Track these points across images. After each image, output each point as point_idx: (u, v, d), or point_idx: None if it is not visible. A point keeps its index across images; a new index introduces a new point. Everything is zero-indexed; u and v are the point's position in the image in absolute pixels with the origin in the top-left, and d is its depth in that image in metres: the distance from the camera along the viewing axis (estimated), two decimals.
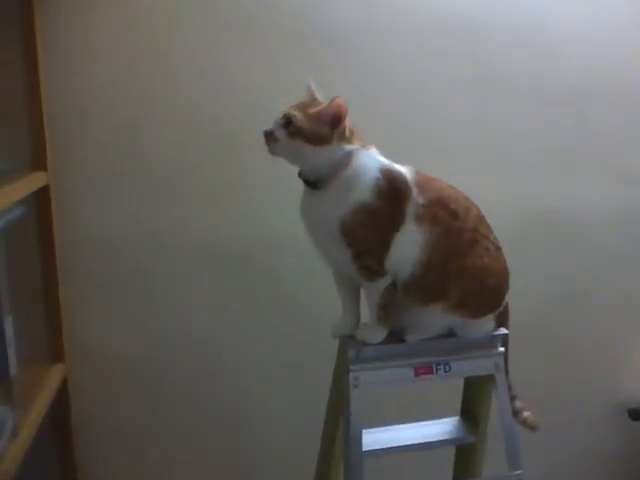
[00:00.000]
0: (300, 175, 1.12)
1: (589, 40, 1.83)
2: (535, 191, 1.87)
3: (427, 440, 1.33)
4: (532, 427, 1.30)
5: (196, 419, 1.77)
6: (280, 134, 1.07)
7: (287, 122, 1.07)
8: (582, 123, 1.86)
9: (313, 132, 1.06)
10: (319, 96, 1.13)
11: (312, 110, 1.08)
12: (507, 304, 1.25)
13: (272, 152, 1.09)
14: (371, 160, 1.10)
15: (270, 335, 1.76)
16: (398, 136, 1.68)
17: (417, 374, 1.21)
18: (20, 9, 1.45)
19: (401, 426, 1.35)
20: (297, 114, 1.07)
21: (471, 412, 1.36)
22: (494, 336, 1.24)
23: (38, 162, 1.50)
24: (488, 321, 1.22)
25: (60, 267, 1.58)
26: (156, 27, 1.59)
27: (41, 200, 1.53)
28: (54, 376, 1.56)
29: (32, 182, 1.44)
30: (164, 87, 1.62)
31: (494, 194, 1.76)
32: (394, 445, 1.30)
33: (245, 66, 1.64)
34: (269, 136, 1.08)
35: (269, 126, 1.08)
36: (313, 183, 1.10)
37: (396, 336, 1.19)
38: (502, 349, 1.26)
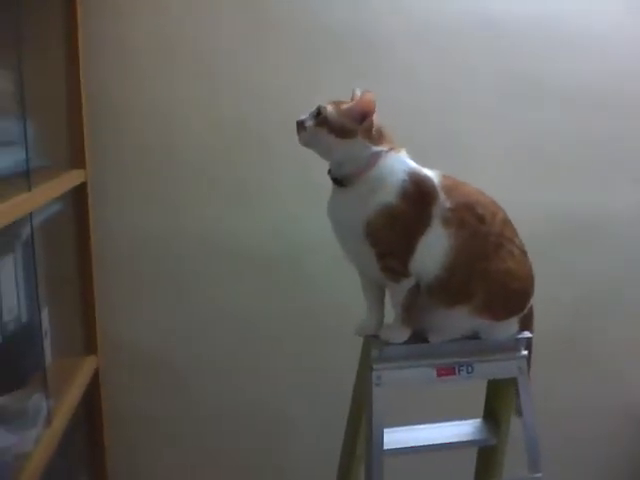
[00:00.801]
0: (329, 172, 1.15)
1: (620, 41, 1.82)
2: (563, 196, 1.86)
3: (448, 441, 1.35)
4: None
5: (223, 412, 1.81)
6: (309, 123, 1.11)
7: (318, 113, 1.11)
8: (612, 126, 1.85)
9: (339, 124, 1.10)
10: None
11: (345, 106, 1.12)
12: (532, 308, 1.25)
13: (301, 140, 1.14)
14: (398, 162, 1.12)
15: (297, 333, 1.80)
16: (427, 139, 1.70)
17: (439, 375, 1.23)
18: (63, 10, 1.50)
19: (423, 426, 1.36)
20: (329, 107, 1.11)
21: (493, 414, 1.37)
22: (518, 339, 1.25)
23: (77, 160, 1.56)
24: (512, 324, 1.23)
25: (95, 262, 1.64)
26: (195, 31, 1.64)
27: (78, 197, 1.58)
28: (87, 367, 1.62)
29: (70, 179, 1.50)
30: (201, 90, 1.66)
31: (521, 198, 1.77)
32: (415, 445, 1.32)
33: (282, 71, 1.68)
34: (300, 125, 1.12)
35: (302, 116, 1.13)
36: (340, 181, 1.13)
37: (419, 337, 1.21)
38: (526, 352, 1.26)
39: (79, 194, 1.58)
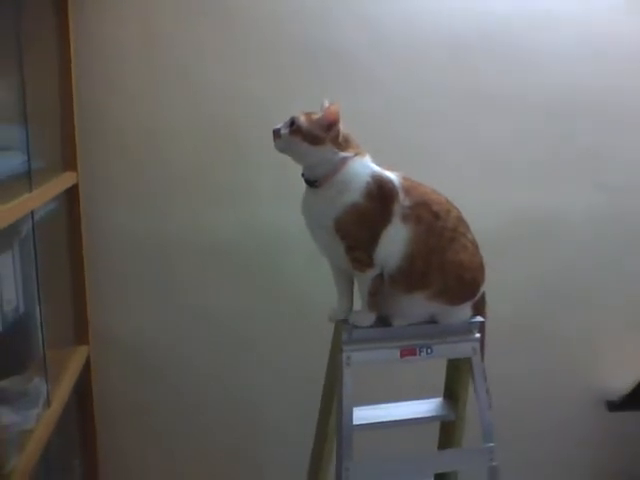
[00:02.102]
0: (302, 175, 1.29)
1: (574, 58, 1.98)
2: (521, 196, 2.02)
3: (412, 417, 1.49)
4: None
5: (206, 398, 1.94)
6: (284, 132, 1.25)
7: (292, 123, 1.25)
8: (565, 134, 2.02)
9: (310, 133, 1.24)
10: None
11: (315, 116, 1.26)
12: (484, 295, 1.40)
13: (277, 147, 1.27)
14: (363, 166, 1.26)
15: (274, 321, 1.94)
16: (390, 144, 1.82)
17: (402, 355, 1.37)
18: (56, 24, 1.62)
19: (390, 404, 1.50)
20: (301, 117, 1.25)
21: (452, 394, 1.52)
22: (471, 323, 1.40)
23: (69, 163, 1.68)
24: (465, 309, 1.38)
25: (86, 258, 1.76)
26: (179, 43, 1.77)
27: (71, 197, 1.70)
28: (79, 356, 1.74)
29: (65, 181, 1.61)
30: (184, 97, 1.80)
31: (484, 199, 1.93)
32: (382, 420, 1.46)
33: (259, 80, 1.82)
34: (275, 133, 1.26)
35: (277, 125, 1.27)
36: (312, 182, 1.26)
37: (384, 321, 1.35)
38: (479, 335, 1.41)
39: (71, 194, 1.70)
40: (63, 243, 1.72)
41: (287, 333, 1.94)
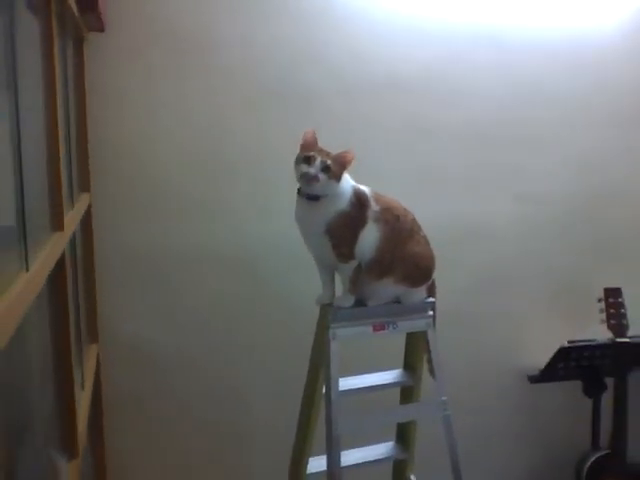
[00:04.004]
0: (299, 191, 1.61)
1: (493, 94, 2.46)
2: (454, 205, 2.46)
3: (382, 383, 1.85)
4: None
5: (202, 390, 2.23)
6: (322, 177, 1.55)
7: (324, 167, 1.56)
8: (488, 155, 2.48)
9: (338, 172, 1.57)
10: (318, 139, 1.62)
11: (332, 154, 1.58)
12: (434, 281, 1.79)
13: (314, 190, 1.55)
14: (347, 183, 1.62)
15: (259, 316, 2.26)
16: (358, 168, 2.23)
17: (375, 330, 1.72)
18: (73, 66, 1.92)
19: (363, 375, 1.85)
20: (328, 161, 1.54)
21: (410, 364, 1.89)
22: (426, 303, 1.77)
23: (84, 186, 1.96)
24: (422, 292, 1.75)
25: (97, 267, 2.03)
26: (171, 86, 2.10)
27: (85, 214, 1.98)
28: (92, 352, 2.00)
29: (86, 200, 1.90)
30: (178, 132, 2.12)
31: (423, 208, 2.32)
32: (359, 387, 1.81)
33: (244, 118, 2.16)
34: (314, 178, 1.54)
35: (312, 170, 1.53)
36: (315, 197, 1.59)
37: (361, 302, 1.71)
38: (432, 312, 1.80)
39: (85, 213, 1.98)
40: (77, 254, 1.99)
41: (271, 325, 2.27)
